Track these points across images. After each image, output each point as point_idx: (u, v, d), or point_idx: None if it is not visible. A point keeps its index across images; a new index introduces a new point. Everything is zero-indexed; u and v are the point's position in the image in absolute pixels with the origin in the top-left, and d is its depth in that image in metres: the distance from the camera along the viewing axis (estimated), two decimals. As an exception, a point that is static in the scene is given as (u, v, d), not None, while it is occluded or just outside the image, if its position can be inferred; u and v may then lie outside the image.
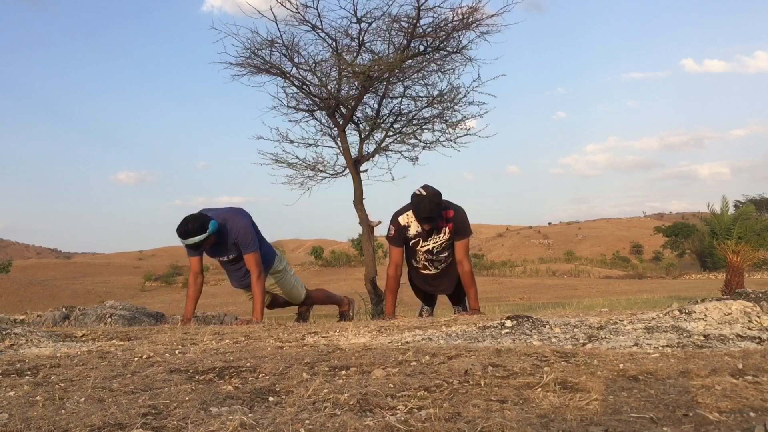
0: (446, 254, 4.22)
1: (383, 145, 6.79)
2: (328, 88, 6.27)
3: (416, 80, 6.53)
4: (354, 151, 6.59)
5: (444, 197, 4.03)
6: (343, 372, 1.89)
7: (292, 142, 6.81)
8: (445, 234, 4.12)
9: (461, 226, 4.10)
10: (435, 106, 6.54)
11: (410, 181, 3.99)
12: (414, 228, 4.11)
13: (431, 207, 3.87)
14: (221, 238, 4.10)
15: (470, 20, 5.83)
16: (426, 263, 4.28)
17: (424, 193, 3.89)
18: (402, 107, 6.67)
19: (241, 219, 4.11)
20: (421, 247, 4.18)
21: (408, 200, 4.10)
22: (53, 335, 3.10)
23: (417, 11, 5.65)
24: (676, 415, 1.36)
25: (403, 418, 1.38)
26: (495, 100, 6.38)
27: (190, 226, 3.91)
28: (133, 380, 1.86)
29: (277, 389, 1.71)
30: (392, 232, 4.15)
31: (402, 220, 4.13)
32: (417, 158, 6.80)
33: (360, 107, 6.58)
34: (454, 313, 4.55)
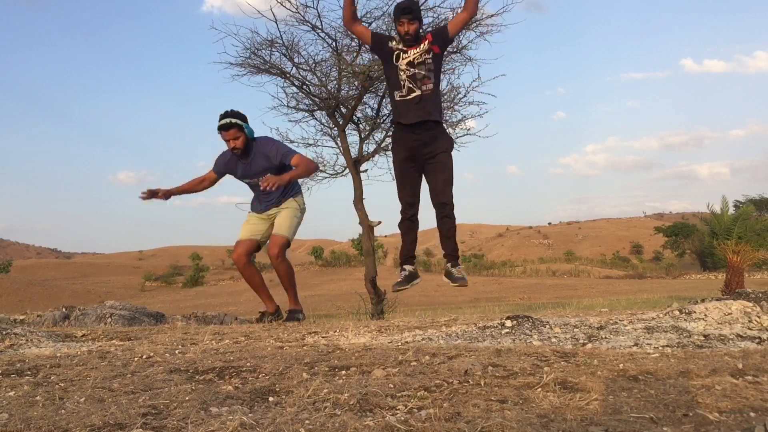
0: (425, 73, 4.26)
1: (383, 145, 6.80)
2: (328, 88, 6.28)
3: (416, 80, 6.54)
4: (354, 151, 6.59)
5: None
6: (343, 372, 1.89)
7: (292, 142, 6.82)
8: (424, 45, 4.23)
9: (441, 28, 4.26)
10: (435, 106, 6.54)
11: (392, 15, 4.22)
12: (396, 44, 4.24)
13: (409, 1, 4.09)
14: (249, 152, 4.24)
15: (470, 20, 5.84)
16: (409, 83, 4.30)
17: None
18: (402, 107, 6.66)
19: (274, 140, 4.31)
20: (402, 60, 4.25)
21: None
22: (53, 335, 3.10)
23: (417, 11, 5.65)
24: (676, 415, 1.36)
25: (403, 418, 1.38)
26: (495, 100, 6.42)
27: (231, 111, 4.21)
28: (133, 380, 1.86)
29: (277, 389, 1.71)
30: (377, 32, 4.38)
31: (388, 35, 4.28)
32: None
33: (360, 107, 6.59)
34: (450, 273, 4.52)
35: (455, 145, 6.58)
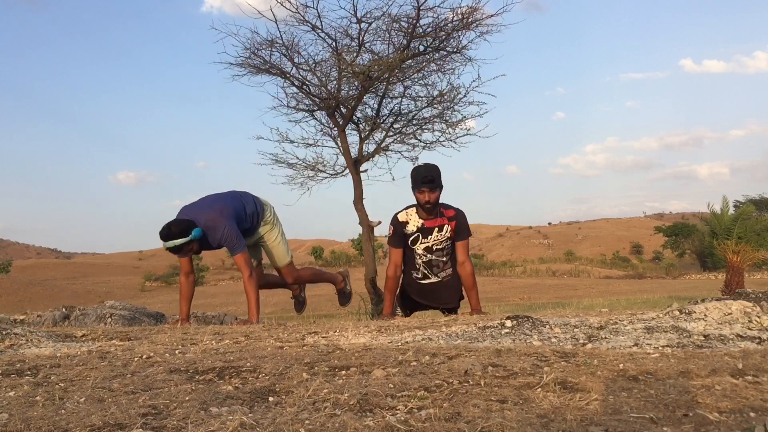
0: (445, 259, 4.11)
1: (383, 145, 6.80)
2: (328, 88, 6.28)
3: (416, 80, 6.54)
4: (354, 151, 6.59)
5: (442, 200, 4.03)
6: (343, 372, 1.89)
7: (292, 142, 6.83)
8: (446, 232, 4.02)
9: (462, 227, 4.05)
10: (435, 106, 6.55)
11: (410, 180, 3.91)
12: (413, 224, 4.02)
13: (429, 169, 3.93)
14: (205, 241, 4.13)
15: (470, 20, 5.84)
16: (425, 269, 4.14)
17: (422, 163, 4.09)
18: (402, 107, 6.68)
19: (221, 220, 4.03)
20: (420, 244, 4.06)
21: (407, 203, 4.11)
22: (53, 335, 3.10)
23: (417, 11, 5.66)
24: (676, 415, 1.36)
25: (403, 418, 1.38)
26: (495, 100, 6.40)
27: (173, 229, 3.97)
28: (133, 380, 1.86)
29: (277, 389, 1.71)
30: (391, 231, 4.09)
31: (401, 216, 4.06)
32: (417, 158, 6.82)
33: (360, 107, 6.59)
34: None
35: (456, 145, 6.61)
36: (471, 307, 4.08)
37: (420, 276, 4.14)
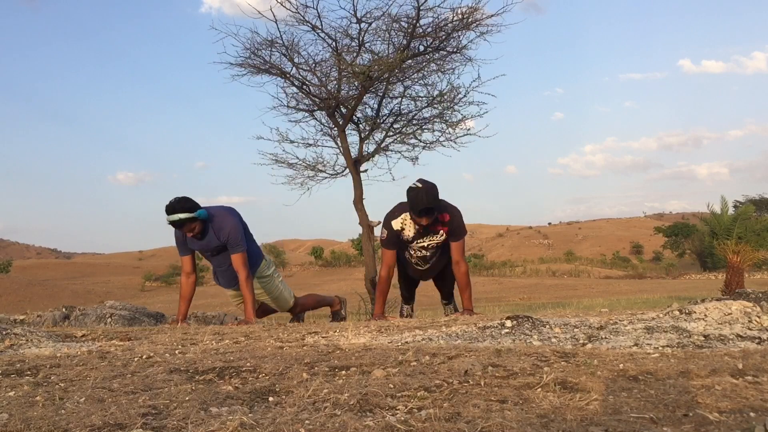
0: (438, 254, 4.30)
1: (383, 145, 6.80)
2: (328, 88, 6.28)
3: (416, 80, 6.54)
4: (354, 151, 6.59)
5: (441, 196, 3.98)
6: (343, 372, 1.89)
7: (292, 142, 6.82)
8: (441, 236, 4.13)
9: (457, 229, 4.10)
10: (435, 106, 6.55)
11: (410, 181, 3.90)
12: (408, 230, 4.10)
13: (428, 198, 3.80)
14: (206, 231, 4.11)
15: (470, 20, 5.84)
16: (418, 261, 4.33)
17: (420, 185, 3.84)
18: (402, 107, 6.68)
19: (231, 218, 4.13)
20: (416, 244, 4.19)
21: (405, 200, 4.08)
22: (53, 335, 3.10)
23: (417, 11, 5.65)
24: (676, 415, 1.36)
25: (403, 418, 1.38)
26: (494, 100, 6.40)
27: (178, 203, 3.99)
28: (133, 380, 1.86)
29: (277, 389, 1.71)
30: (384, 235, 4.15)
31: (395, 224, 4.08)
32: (417, 158, 6.81)
33: (360, 107, 6.59)
34: (445, 313, 4.56)
35: (456, 145, 6.61)
36: (462, 307, 4.14)
37: (413, 262, 4.37)
